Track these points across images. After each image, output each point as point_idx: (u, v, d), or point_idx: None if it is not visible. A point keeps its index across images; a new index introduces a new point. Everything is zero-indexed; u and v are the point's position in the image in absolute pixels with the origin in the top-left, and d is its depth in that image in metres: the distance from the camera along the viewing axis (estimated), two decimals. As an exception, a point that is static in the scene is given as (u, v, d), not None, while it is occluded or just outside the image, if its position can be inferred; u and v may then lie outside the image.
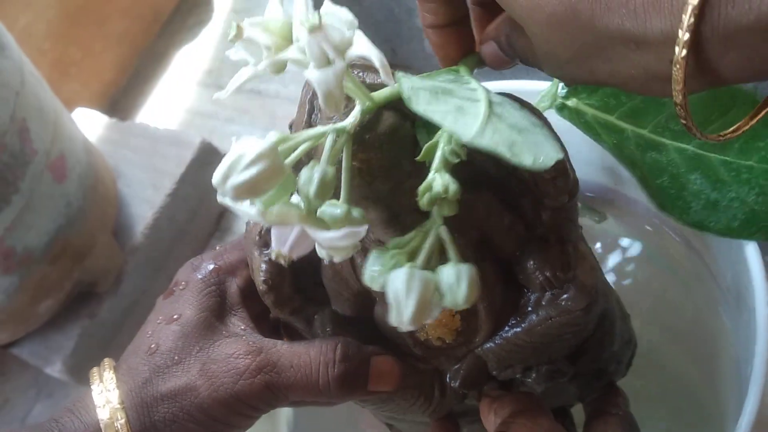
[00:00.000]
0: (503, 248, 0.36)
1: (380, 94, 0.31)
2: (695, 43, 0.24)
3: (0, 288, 0.71)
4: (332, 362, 0.35)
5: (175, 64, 1.08)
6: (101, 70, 1.06)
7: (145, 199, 0.83)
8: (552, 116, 0.36)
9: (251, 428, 0.38)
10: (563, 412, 0.45)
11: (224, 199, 0.29)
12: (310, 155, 0.32)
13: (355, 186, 0.31)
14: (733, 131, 0.30)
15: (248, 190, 0.27)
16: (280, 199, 0.29)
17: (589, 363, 0.40)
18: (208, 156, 0.85)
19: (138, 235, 0.81)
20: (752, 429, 0.38)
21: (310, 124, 0.34)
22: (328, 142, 0.29)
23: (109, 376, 0.35)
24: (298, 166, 0.29)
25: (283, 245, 0.29)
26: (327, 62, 0.28)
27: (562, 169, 0.35)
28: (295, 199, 0.30)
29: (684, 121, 0.27)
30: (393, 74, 0.29)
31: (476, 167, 0.35)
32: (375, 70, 0.33)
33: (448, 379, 0.40)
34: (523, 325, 0.37)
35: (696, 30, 0.23)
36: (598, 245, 0.39)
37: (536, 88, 0.47)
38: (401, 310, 0.29)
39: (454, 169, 0.32)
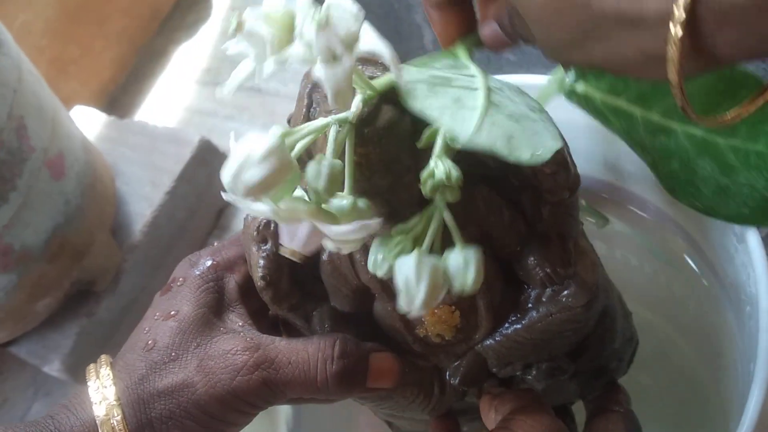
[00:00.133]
0: (503, 244, 0.36)
1: (380, 82, 0.31)
2: (690, 22, 0.24)
3: (-2, 286, 0.71)
4: (331, 359, 0.35)
5: (173, 61, 1.08)
6: (100, 67, 1.06)
7: (143, 197, 0.83)
8: (552, 111, 0.36)
9: (250, 427, 0.37)
10: (564, 409, 0.44)
11: (234, 198, 0.28)
12: (309, 151, 0.32)
13: (354, 181, 0.31)
14: (733, 117, 0.30)
15: (261, 188, 0.27)
16: (286, 194, 0.29)
17: (589, 360, 0.40)
18: (206, 154, 0.84)
19: (137, 233, 0.81)
20: (756, 426, 0.38)
21: (308, 118, 0.34)
22: (332, 133, 0.29)
23: (105, 372, 0.35)
24: (298, 162, 0.29)
25: (294, 242, 0.28)
26: (334, 58, 0.27)
27: (563, 163, 0.34)
28: (299, 192, 0.30)
29: (680, 103, 0.27)
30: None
31: (477, 163, 0.34)
32: (374, 63, 0.32)
33: (447, 377, 0.40)
34: (523, 322, 0.37)
35: (691, 8, 0.23)
36: (599, 241, 0.39)
37: (535, 82, 0.47)
38: (412, 296, 0.29)
39: (456, 164, 0.31)
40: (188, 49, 1.08)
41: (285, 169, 0.28)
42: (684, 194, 0.41)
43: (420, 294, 0.29)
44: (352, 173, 0.30)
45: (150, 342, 0.35)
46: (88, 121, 0.91)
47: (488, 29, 0.33)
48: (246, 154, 0.27)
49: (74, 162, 0.75)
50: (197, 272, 0.38)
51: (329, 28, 0.27)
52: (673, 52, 0.24)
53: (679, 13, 0.23)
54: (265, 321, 0.40)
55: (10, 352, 0.80)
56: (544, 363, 0.39)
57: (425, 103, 0.28)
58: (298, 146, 0.29)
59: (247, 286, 0.38)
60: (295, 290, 0.37)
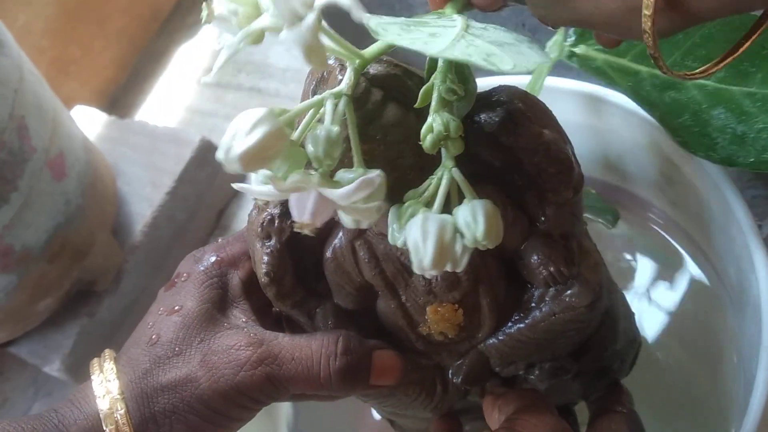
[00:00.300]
0: (507, 243, 0.36)
1: (370, 50, 0.31)
2: None
3: (-2, 286, 0.70)
4: (334, 355, 0.35)
5: (174, 62, 1.08)
6: (100, 68, 1.06)
7: (144, 198, 0.83)
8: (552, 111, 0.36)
9: (251, 427, 0.37)
10: (566, 410, 0.44)
11: (241, 186, 0.28)
12: None
13: None
14: (705, 70, 0.30)
15: (255, 157, 0.27)
16: (290, 171, 0.28)
17: (592, 360, 0.40)
18: (207, 154, 0.84)
19: (137, 233, 0.81)
20: (757, 428, 0.38)
21: None
22: (329, 105, 0.29)
23: (109, 366, 0.35)
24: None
25: (304, 215, 0.28)
26: (299, 19, 0.27)
27: (567, 163, 0.34)
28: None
29: (652, 51, 0.27)
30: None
31: (480, 162, 0.34)
32: (379, 61, 0.32)
33: (450, 375, 0.40)
34: (526, 321, 0.37)
35: None
36: (601, 242, 0.39)
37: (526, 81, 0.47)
38: (420, 256, 0.29)
39: (458, 163, 0.31)
40: (189, 49, 1.08)
41: (277, 138, 0.28)
42: (698, 146, 0.40)
43: (428, 253, 0.28)
44: (358, 146, 0.30)
45: (154, 337, 0.35)
46: (89, 121, 0.91)
47: None
48: (235, 128, 0.27)
49: (75, 162, 0.75)
50: (201, 268, 0.38)
51: None
52: None
53: None
54: (269, 317, 0.40)
55: (10, 353, 0.80)
56: (546, 363, 0.39)
57: (398, 37, 0.28)
58: (302, 125, 0.29)
59: (250, 283, 0.38)
60: (299, 287, 0.37)
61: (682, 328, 0.55)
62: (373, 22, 0.28)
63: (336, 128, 0.29)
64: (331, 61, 0.33)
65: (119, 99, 1.08)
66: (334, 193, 0.27)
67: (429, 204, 0.30)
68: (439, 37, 0.28)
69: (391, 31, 0.28)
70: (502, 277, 0.37)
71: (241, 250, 0.39)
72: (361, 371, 0.36)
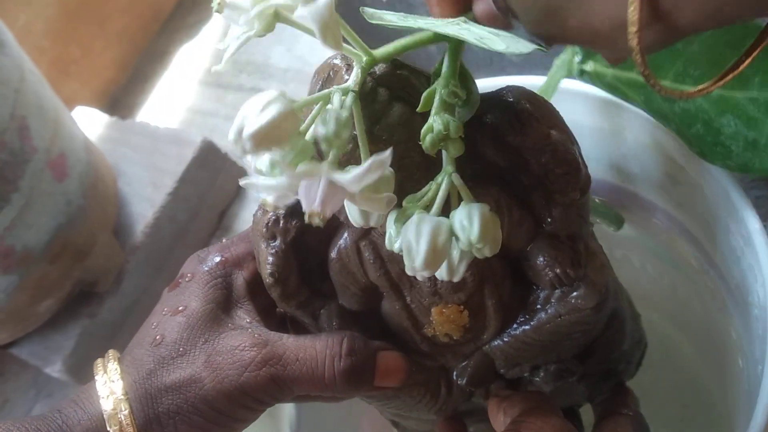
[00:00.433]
0: (512, 244, 0.36)
1: (381, 51, 0.31)
2: None
3: (-1, 287, 0.70)
4: (338, 356, 0.35)
5: (175, 62, 1.08)
6: (101, 68, 1.06)
7: (145, 198, 0.82)
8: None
9: (254, 429, 0.37)
10: (571, 412, 0.44)
11: (247, 182, 0.28)
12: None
13: None
14: (703, 88, 0.30)
15: (267, 136, 0.27)
16: (297, 159, 0.28)
17: (598, 362, 0.40)
18: (209, 155, 0.84)
19: (138, 234, 0.81)
20: (764, 429, 0.37)
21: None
22: (336, 98, 0.29)
23: (113, 367, 0.35)
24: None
25: (314, 203, 0.28)
26: None
27: (574, 163, 0.34)
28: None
29: (641, 69, 0.27)
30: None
31: (487, 162, 0.34)
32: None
33: (454, 377, 0.40)
34: (531, 323, 0.37)
35: None
36: (606, 242, 0.39)
37: (538, 83, 0.47)
38: (413, 256, 0.28)
39: (464, 163, 0.31)
40: (190, 49, 1.07)
41: (288, 116, 0.27)
42: (714, 156, 0.40)
43: (420, 253, 0.28)
44: (366, 143, 0.30)
45: (158, 337, 0.35)
46: (90, 122, 0.91)
47: (482, 4, 0.33)
48: (247, 109, 0.27)
49: (76, 163, 0.75)
50: (206, 268, 0.38)
51: None
52: (632, 14, 0.25)
53: None
54: (273, 318, 0.39)
55: (11, 354, 0.80)
56: (552, 365, 0.39)
57: (391, 20, 0.28)
58: (309, 117, 0.29)
59: (255, 283, 0.38)
60: (304, 288, 0.37)
61: (687, 331, 0.55)
62: (369, 10, 0.28)
63: (345, 111, 0.28)
64: (337, 61, 0.33)
65: (120, 99, 1.08)
66: (345, 177, 0.27)
67: (428, 208, 0.30)
68: (434, 26, 0.28)
69: (386, 17, 0.28)
70: (507, 278, 0.37)
71: (246, 250, 0.39)
72: (366, 372, 0.36)
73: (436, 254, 0.28)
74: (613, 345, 0.40)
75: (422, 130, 0.29)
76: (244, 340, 0.35)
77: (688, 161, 0.44)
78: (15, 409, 0.84)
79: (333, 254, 0.36)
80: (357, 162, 0.30)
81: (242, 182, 0.28)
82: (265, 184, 0.29)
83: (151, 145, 0.86)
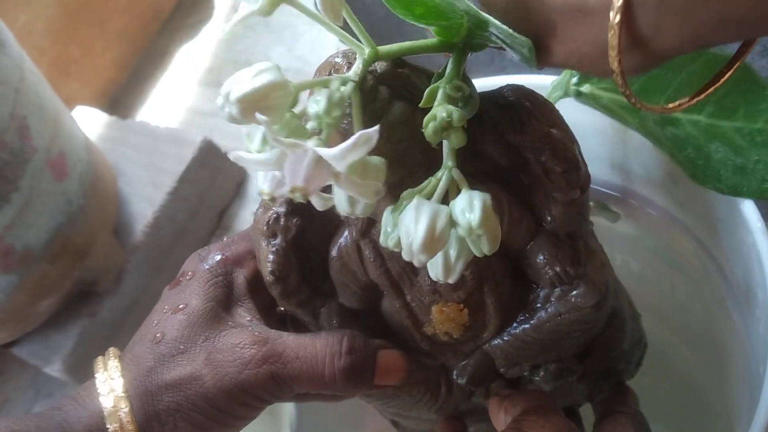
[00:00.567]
0: (512, 242, 0.36)
1: (386, 48, 0.31)
2: (629, 7, 0.25)
3: (-1, 287, 0.70)
4: (338, 354, 0.35)
5: (175, 62, 1.08)
6: (101, 68, 1.06)
7: (145, 198, 0.82)
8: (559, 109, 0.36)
9: (254, 428, 0.37)
10: (571, 411, 0.44)
11: (236, 155, 0.28)
12: None
13: None
14: (681, 104, 0.31)
15: (254, 102, 0.27)
16: (284, 129, 0.28)
17: (598, 361, 0.40)
18: (208, 154, 0.84)
19: (138, 233, 0.81)
20: (766, 428, 0.37)
21: None
22: (334, 83, 0.29)
23: (113, 364, 0.35)
24: None
25: (298, 178, 0.28)
26: None
27: (574, 161, 0.34)
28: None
29: (622, 89, 0.28)
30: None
31: (487, 160, 0.34)
32: None
33: (454, 376, 0.39)
34: (531, 322, 0.37)
35: None
36: (606, 242, 0.39)
37: (539, 82, 0.47)
38: (411, 239, 0.28)
39: (464, 162, 0.31)
40: (190, 49, 1.07)
41: (279, 87, 0.27)
42: (705, 179, 0.41)
43: (419, 235, 0.28)
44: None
45: (158, 335, 0.35)
46: (90, 122, 0.91)
47: None
48: (240, 75, 0.27)
49: (76, 162, 0.75)
50: (206, 266, 0.38)
51: None
52: (612, 38, 0.25)
53: None
54: (273, 316, 0.40)
55: (11, 353, 0.80)
56: (552, 364, 0.39)
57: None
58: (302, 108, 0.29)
59: (255, 281, 0.38)
60: (304, 286, 0.37)
61: (689, 330, 0.55)
62: None
63: (339, 93, 0.28)
64: (338, 59, 0.33)
65: (120, 99, 1.08)
66: (330, 152, 0.26)
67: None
68: None
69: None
70: (507, 277, 0.37)
71: (247, 248, 0.39)
72: (366, 371, 0.36)
73: (434, 238, 0.28)
74: (613, 344, 0.40)
75: (425, 119, 0.29)
76: (244, 337, 0.35)
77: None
78: (15, 409, 0.84)
79: (333, 252, 0.36)
80: None
81: (231, 155, 0.28)
82: (253, 158, 0.28)
83: (151, 144, 0.86)
